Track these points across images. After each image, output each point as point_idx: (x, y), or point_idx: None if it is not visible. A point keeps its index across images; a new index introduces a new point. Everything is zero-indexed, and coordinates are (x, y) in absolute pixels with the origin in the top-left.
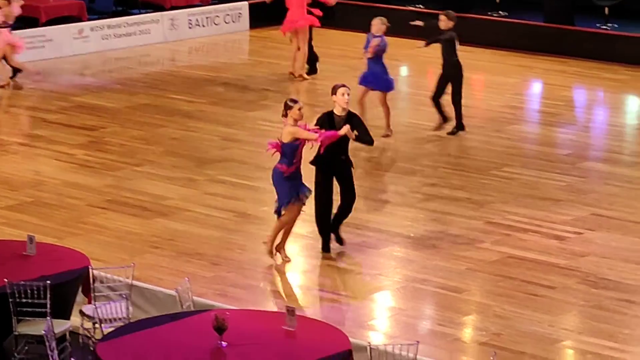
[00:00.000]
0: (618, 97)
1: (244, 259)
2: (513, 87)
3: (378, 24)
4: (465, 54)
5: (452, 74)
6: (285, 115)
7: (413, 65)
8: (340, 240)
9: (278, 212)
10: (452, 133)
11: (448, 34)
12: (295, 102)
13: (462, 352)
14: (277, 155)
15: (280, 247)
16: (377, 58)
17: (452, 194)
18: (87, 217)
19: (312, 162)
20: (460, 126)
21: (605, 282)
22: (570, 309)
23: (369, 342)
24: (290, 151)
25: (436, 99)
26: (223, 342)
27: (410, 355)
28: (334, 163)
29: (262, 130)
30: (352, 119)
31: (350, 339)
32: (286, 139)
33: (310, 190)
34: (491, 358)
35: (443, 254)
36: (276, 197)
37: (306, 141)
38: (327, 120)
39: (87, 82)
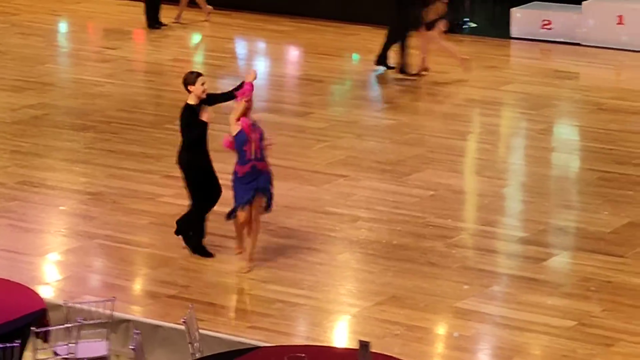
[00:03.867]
0: (281, 48)
1: None
2: (178, 41)
3: None
4: (131, 8)
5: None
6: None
7: (74, 20)
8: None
9: (229, 214)
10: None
11: None
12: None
13: (154, 305)
14: None
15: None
16: None
17: (127, 148)
18: None
19: (179, 162)
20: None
21: (286, 230)
22: (255, 259)
23: (64, 301)
24: (238, 145)
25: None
26: None
27: (107, 311)
28: (204, 155)
29: None
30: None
31: (45, 298)
32: (233, 130)
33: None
34: (188, 311)
35: (124, 209)
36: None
37: (247, 126)
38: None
39: None
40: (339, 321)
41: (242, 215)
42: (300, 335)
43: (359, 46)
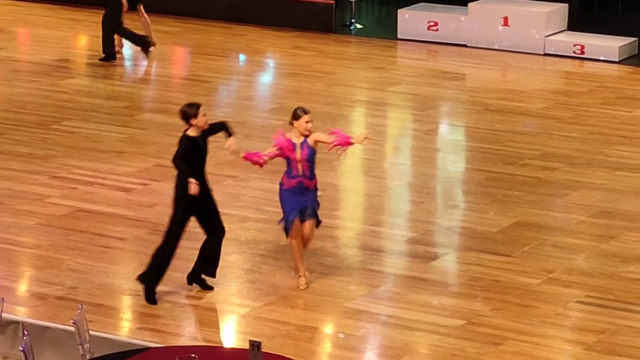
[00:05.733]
0: (168, 49)
1: None
2: (64, 41)
3: None
4: (16, 8)
5: None
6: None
7: None
8: (208, 286)
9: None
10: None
11: None
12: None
13: (42, 306)
14: None
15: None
16: None
17: (14, 149)
18: None
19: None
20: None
21: None
22: (145, 260)
23: None
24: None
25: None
26: None
27: None
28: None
29: None
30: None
31: None
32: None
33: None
34: (78, 312)
35: (10, 210)
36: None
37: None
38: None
39: None
40: (229, 321)
41: (294, 233)
42: (190, 336)
43: (246, 47)
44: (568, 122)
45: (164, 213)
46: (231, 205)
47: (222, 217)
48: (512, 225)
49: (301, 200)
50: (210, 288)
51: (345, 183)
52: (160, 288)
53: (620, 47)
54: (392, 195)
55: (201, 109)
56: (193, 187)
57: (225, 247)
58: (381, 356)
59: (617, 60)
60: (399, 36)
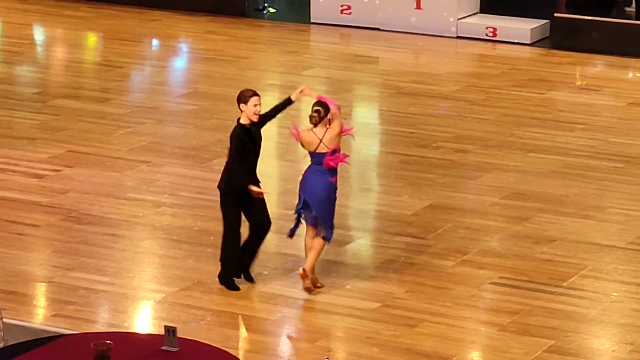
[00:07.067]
0: (79, 34)
1: None
2: None
3: None
4: None
5: None
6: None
7: None
8: (251, 278)
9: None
10: None
11: None
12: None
13: None
14: None
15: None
16: None
17: None
18: None
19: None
20: None
21: (89, 217)
22: (58, 247)
23: None
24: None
25: None
26: None
27: None
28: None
29: None
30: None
31: None
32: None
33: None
34: None
35: None
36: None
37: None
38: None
39: None
40: (144, 307)
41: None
42: (105, 322)
43: (159, 32)
44: (481, 104)
45: (77, 199)
46: (145, 191)
47: (135, 203)
48: (425, 208)
49: None
50: (252, 280)
51: (259, 167)
52: (75, 274)
53: (532, 29)
54: None
55: (255, 98)
56: (256, 191)
57: (139, 232)
58: (297, 340)
59: (529, 42)
60: (312, 20)
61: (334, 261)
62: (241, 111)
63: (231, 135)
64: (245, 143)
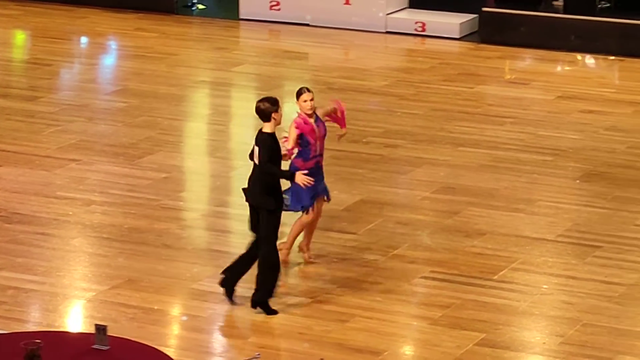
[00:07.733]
0: (6, 32)
1: None
2: None
3: None
4: None
5: None
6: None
7: None
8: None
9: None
10: None
11: None
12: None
13: None
14: None
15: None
16: None
17: None
18: None
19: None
20: None
21: (18, 216)
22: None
23: None
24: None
25: None
26: None
27: None
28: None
29: None
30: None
31: None
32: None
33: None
34: None
35: None
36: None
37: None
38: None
39: None
40: (75, 306)
41: (308, 218)
42: (35, 322)
43: (88, 29)
44: (410, 99)
45: (6, 198)
46: (75, 189)
47: (65, 201)
48: (356, 203)
49: (316, 181)
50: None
51: (189, 164)
52: (4, 274)
53: (460, 24)
54: (236, 176)
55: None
56: (305, 179)
57: (69, 230)
58: (228, 337)
59: (457, 37)
60: (241, 16)
61: None
62: (270, 120)
63: (261, 149)
64: (276, 151)
